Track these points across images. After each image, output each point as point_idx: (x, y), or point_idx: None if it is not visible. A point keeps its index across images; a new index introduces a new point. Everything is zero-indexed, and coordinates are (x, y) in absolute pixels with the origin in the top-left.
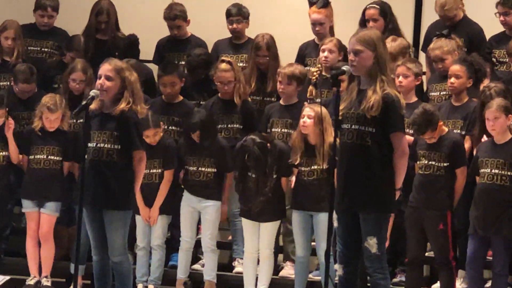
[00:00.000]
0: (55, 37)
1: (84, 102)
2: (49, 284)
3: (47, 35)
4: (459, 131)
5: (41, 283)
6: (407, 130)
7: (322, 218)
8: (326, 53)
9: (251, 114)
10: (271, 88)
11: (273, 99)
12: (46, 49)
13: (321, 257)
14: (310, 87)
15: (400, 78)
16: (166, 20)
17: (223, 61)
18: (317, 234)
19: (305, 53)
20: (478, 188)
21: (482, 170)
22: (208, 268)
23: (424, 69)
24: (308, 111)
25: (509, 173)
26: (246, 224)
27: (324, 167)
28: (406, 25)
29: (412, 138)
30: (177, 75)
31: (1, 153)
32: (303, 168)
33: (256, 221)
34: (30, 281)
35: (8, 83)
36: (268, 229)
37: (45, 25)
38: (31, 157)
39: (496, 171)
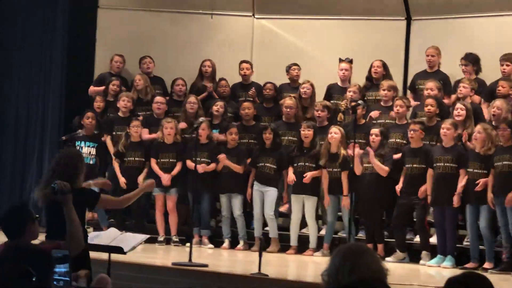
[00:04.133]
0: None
1: (195, 125)
2: (177, 240)
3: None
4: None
5: (171, 239)
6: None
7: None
8: (385, 92)
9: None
10: (310, 115)
11: (311, 123)
12: None
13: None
14: (340, 114)
15: (398, 108)
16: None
17: (290, 97)
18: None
19: (331, 92)
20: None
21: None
22: (271, 230)
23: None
24: (335, 129)
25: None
26: (293, 199)
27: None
28: (398, 73)
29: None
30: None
31: (136, 159)
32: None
33: (299, 194)
34: (160, 238)
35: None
36: (309, 203)
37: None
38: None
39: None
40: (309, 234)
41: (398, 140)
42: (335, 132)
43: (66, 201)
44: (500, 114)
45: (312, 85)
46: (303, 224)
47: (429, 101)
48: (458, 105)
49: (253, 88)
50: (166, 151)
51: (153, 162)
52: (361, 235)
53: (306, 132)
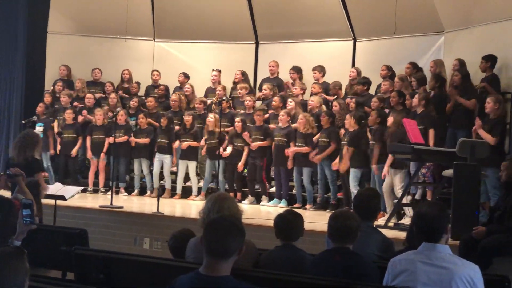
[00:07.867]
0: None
1: (114, 113)
2: (104, 190)
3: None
4: None
5: (99, 190)
6: None
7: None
8: (239, 90)
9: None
10: (193, 105)
11: (192, 112)
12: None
13: None
14: (213, 105)
15: (247, 102)
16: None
17: (175, 94)
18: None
19: (208, 91)
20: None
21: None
22: (167, 183)
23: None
24: (211, 115)
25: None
26: (180, 163)
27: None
28: (250, 78)
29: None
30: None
31: (70, 135)
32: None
33: (185, 160)
34: (90, 189)
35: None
36: (192, 165)
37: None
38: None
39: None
40: (192, 185)
41: (249, 124)
42: (211, 117)
43: (18, 181)
44: (314, 106)
45: (191, 85)
46: (188, 178)
47: (275, 98)
48: (289, 100)
49: (162, 87)
50: (97, 130)
51: (88, 140)
52: (227, 187)
53: (187, 118)
